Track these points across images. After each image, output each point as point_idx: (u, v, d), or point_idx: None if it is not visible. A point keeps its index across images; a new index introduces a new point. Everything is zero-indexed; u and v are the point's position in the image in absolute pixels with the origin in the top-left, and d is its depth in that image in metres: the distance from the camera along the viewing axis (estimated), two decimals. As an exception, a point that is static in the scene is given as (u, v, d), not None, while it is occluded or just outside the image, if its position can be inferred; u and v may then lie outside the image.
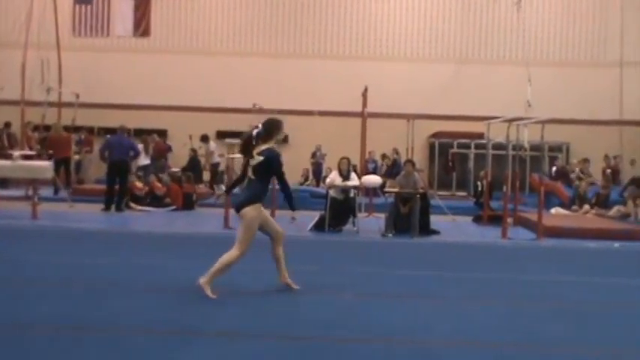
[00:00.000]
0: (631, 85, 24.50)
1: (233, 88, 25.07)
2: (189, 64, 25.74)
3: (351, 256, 12.24)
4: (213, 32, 26.08)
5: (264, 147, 8.16)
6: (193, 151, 22.64)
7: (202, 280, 8.01)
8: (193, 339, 6.53)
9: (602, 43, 25.59)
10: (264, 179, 8.25)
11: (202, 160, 22.89)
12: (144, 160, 20.02)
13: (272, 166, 8.20)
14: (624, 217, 19.32)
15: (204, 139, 22.92)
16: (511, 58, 25.27)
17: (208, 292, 7.95)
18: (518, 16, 24.51)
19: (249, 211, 8.04)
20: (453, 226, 16.15)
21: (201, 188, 21.20)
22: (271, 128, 8.28)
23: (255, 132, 8.19)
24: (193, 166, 21.91)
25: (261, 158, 8.11)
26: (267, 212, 8.53)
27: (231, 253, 8.14)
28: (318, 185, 22.42)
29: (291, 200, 8.64)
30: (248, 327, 7.04)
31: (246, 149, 8.19)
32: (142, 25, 25.76)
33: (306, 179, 23.68)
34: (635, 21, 24.77)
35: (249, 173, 8.19)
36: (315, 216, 15.40)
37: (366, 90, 18.80)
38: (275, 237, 8.48)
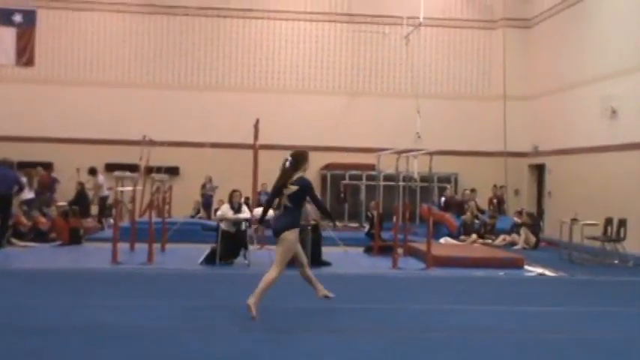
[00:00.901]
0: (514, 118, 25.34)
1: (122, 120, 24.62)
2: (77, 94, 25.13)
3: (242, 289, 12.06)
4: (101, 63, 25.58)
5: (295, 177, 9.04)
6: (80, 184, 22.01)
7: (251, 301, 8.90)
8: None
9: (487, 77, 26.42)
10: (299, 205, 9.11)
11: (90, 194, 22.29)
12: (28, 194, 19.32)
13: (306, 193, 9.12)
14: (509, 245, 19.90)
15: (93, 171, 22.33)
16: (401, 91, 25.77)
17: (254, 312, 8.83)
18: (407, 50, 25.06)
19: (288, 235, 8.97)
20: (344, 257, 16.20)
21: (89, 222, 20.61)
22: (299, 160, 9.14)
23: (287, 164, 9.08)
24: (80, 199, 21.26)
25: (296, 187, 8.98)
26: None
27: (271, 274, 9.07)
28: (209, 218, 22.16)
29: (329, 216, 10.02)
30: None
31: (285, 182, 9.04)
32: (25, 54, 24.95)
33: (198, 212, 23.38)
34: (517, 58, 25.65)
35: (285, 201, 9.00)
36: (206, 249, 15.18)
37: (257, 122, 18.78)
38: (301, 261, 9.38)
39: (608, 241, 16.86)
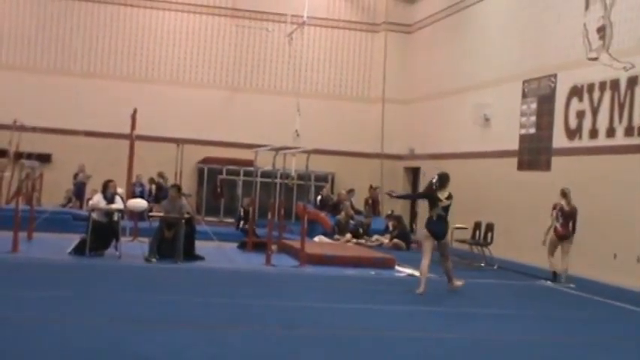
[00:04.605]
0: (392, 121, 25.78)
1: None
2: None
3: (111, 281, 11.84)
4: (-28, 42, 24.46)
5: (447, 193, 12.10)
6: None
7: (451, 285, 12.36)
8: None
9: (367, 79, 26.80)
10: (448, 214, 12.17)
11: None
12: None
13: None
14: (380, 245, 20.26)
15: (-42, 154, 21.29)
16: (282, 88, 25.82)
17: (459, 283, 12.45)
18: (290, 48, 25.15)
19: (447, 237, 12.50)
20: (218, 252, 16.09)
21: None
22: (444, 180, 12.14)
23: (434, 181, 12.20)
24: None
25: (450, 201, 12.09)
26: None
27: (448, 263, 12.31)
28: (81, 207, 21.56)
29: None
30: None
31: (430, 192, 12.33)
32: None
33: (69, 201, 22.69)
34: (397, 62, 26.10)
35: (440, 212, 12.06)
36: (75, 239, 14.75)
37: (135, 112, 18.42)
38: (446, 255, 12.25)
39: (476, 245, 17.40)
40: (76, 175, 23.06)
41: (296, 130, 23.15)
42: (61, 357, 6.71)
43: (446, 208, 12.07)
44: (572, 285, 14.13)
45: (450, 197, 12.07)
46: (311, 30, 25.69)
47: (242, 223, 19.48)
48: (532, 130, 18.21)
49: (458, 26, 22.80)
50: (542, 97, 17.87)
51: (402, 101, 25.91)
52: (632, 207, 14.40)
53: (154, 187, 22.74)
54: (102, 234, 14.49)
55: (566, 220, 14.19)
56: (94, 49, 25.04)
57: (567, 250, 14.26)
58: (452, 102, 22.70)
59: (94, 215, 14.52)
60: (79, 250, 14.34)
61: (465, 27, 22.40)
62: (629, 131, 14.85)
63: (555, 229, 14.25)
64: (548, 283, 14.40)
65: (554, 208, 14.33)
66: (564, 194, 14.30)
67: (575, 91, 16.59)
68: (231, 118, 25.17)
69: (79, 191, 22.81)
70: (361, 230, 21.28)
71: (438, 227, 12.10)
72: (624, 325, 10.65)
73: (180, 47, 25.62)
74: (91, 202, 15.33)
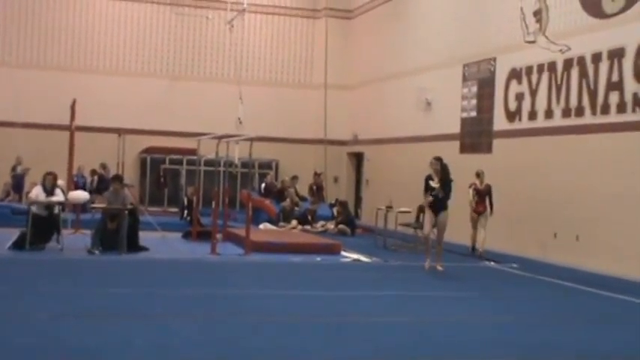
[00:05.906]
0: (334, 107, 25.82)
1: None
2: None
3: (53, 274, 11.66)
4: None
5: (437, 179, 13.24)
6: None
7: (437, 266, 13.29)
8: None
9: (309, 66, 26.76)
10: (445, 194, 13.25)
11: None
12: None
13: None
14: (325, 232, 20.30)
15: None
16: (224, 76, 25.64)
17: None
18: (230, 36, 24.98)
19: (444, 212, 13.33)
20: (162, 243, 15.97)
21: None
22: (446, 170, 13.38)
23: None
24: None
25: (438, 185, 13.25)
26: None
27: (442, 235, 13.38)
28: (20, 201, 21.17)
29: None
30: None
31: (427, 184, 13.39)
32: None
33: (8, 194, 22.24)
34: (338, 48, 26.14)
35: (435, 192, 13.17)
36: (15, 233, 14.47)
37: (74, 102, 18.12)
38: (441, 230, 13.29)
39: (420, 228, 17.50)
40: (14, 168, 22.61)
41: (239, 118, 23.03)
42: (2, 355, 6.57)
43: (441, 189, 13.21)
44: (514, 265, 14.38)
45: (441, 182, 13.21)
46: (251, 17, 25.55)
47: (186, 212, 19.36)
48: (473, 114, 18.41)
49: (398, 11, 22.90)
50: (482, 80, 18.07)
51: (344, 87, 25.97)
52: (571, 186, 14.68)
53: (95, 178, 22.41)
54: (42, 227, 14.24)
55: (482, 198, 15.75)
56: (29, 39, 24.52)
57: (484, 225, 15.69)
58: (394, 87, 22.82)
59: (34, 208, 14.27)
60: (18, 244, 14.07)
61: (405, 12, 22.50)
62: (566, 112, 15.12)
63: (473, 207, 15.82)
64: (492, 264, 14.61)
65: (470, 187, 15.84)
66: (478, 175, 15.84)
67: (514, 74, 16.81)
68: (173, 107, 24.92)
69: (17, 184, 22.38)
70: (309, 217, 21.32)
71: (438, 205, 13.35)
72: (565, 302, 10.87)
73: (120, 36, 25.25)
74: (30, 195, 15.06)
